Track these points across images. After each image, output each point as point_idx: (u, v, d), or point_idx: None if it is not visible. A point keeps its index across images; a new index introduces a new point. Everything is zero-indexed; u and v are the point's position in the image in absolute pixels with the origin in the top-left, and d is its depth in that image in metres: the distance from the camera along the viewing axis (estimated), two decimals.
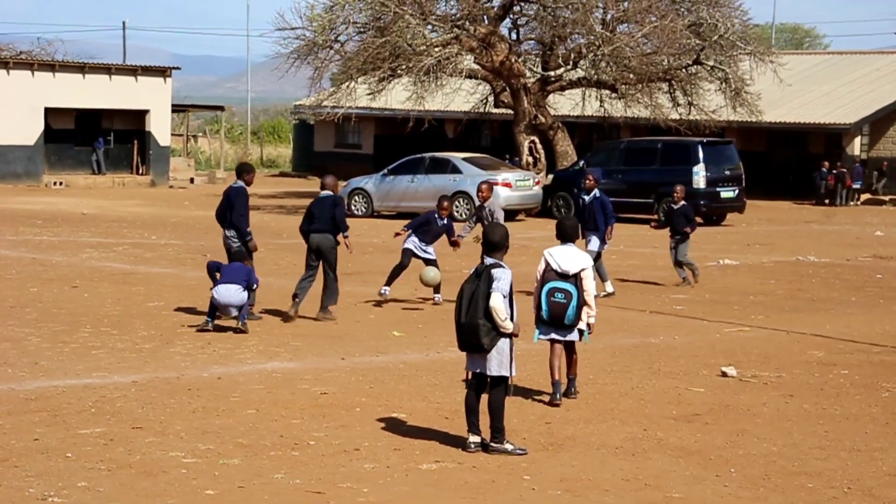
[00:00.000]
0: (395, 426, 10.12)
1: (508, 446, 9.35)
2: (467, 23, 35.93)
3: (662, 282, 20.13)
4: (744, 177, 34.58)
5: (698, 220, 33.22)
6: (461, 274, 18.26)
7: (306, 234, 15.64)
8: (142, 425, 9.97)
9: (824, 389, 12.02)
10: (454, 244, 17.29)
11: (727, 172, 33.97)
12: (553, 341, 11.15)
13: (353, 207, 34.42)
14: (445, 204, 17.34)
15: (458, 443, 9.52)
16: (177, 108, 50.53)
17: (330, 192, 15.73)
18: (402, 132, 41.41)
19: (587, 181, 18.56)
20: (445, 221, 17.29)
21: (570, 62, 36.65)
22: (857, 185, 43.04)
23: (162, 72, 46.44)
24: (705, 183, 33.14)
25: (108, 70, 45.25)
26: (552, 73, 37.47)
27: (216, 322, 14.69)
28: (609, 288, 18.21)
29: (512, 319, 9.30)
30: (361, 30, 36.09)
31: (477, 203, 17.35)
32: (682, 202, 19.89)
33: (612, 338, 14.57)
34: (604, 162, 34.81)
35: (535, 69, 38.09)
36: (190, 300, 16.85)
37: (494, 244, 9.47)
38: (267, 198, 40.11)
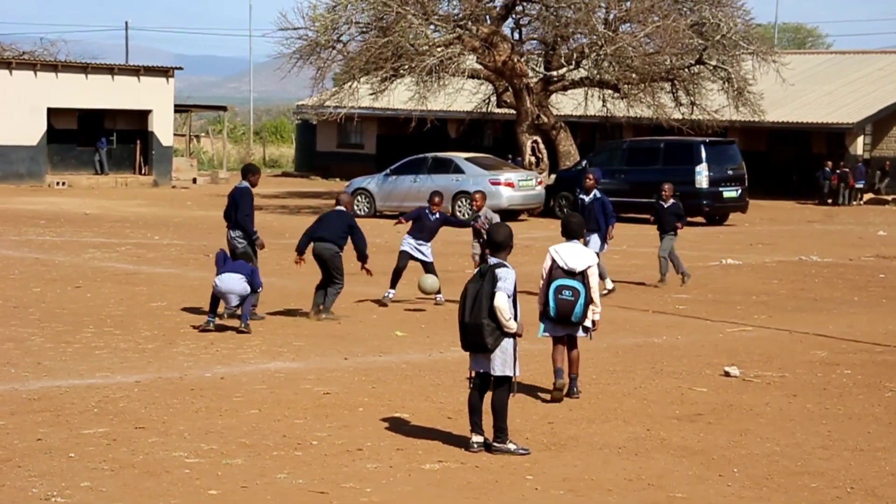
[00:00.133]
0: (397, 426, 10.12)
1: (511, 446, 9.35)
2: (470, 23, 35.92)
3: (665, 282, 20.10)
4: (746, 176, 34.58)
5: (700, 219, 33.62)
6: (464, 274, 18.28)
7: (308, 240, 15.71)
8: (145, 425, 9.98)
9: (827, 389, 12.02)
10: (474, 228, 17.25)
11: (730, 172, 33.97)
12: (564, 338, 11.25)
13: (355, 208, 34.43)
14: (437, 199, 17.30)
15: (461, 443, 9.52)
16: (179, 109, 50.55)
17: (343, 209, 15.93)
18: (404, 132, 41.44)
19: (587, 180, 18.57)
20: (438, 216, 17.29)
21: (573, 62, 36.65)
22: (859, 185, 43.03)
23: (164, 72, 46.45)
24: (708, 183, 33.17)
25: (110, 70, 45.27)
26: (555, 73, 37.47)
27: (219, 322, 14.70)
28: (609, 285, 18.23)
29: (516, 319, 9.30)
30: (364, 30, 36.09)
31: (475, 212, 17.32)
32: (672, 200, 19.84)
33: (615, 337, 14.57)
34: (606, 162, 34.81)
35: (537, 69, 38.09)
36: (193, 300, 16.86)
37: (499, 244, 9.47)
38: (269, 198, 40.11)
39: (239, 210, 15.66)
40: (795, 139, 45.86)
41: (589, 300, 11.04)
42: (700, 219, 33.80)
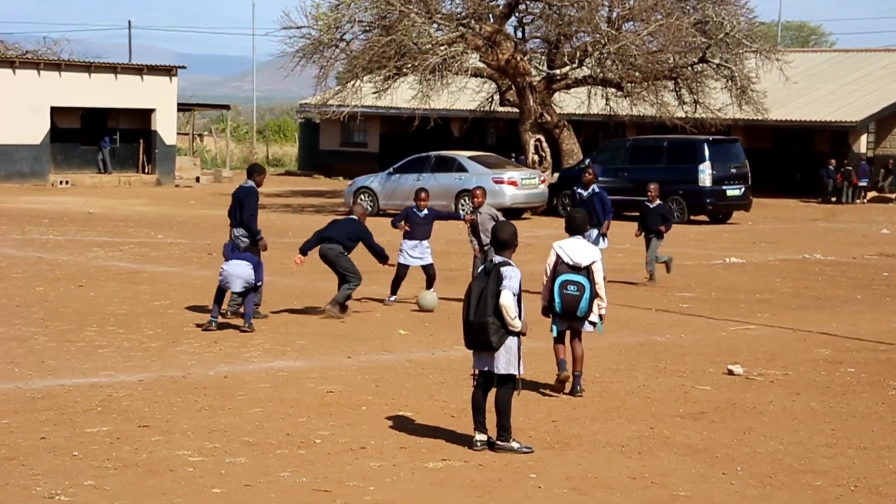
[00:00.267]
0: (401, 424, 10.12)
1: (515, 444, 9.35)
2: (473, 21, 35.91)
3: (669, 280, 20.09)
4: (750, 175, 34.56)
5: (704, 217, 33.62)
6: (466, 272, 18.28)
7: (317, 241, 15.78)
8: (148, 424, 9.98)
9: (831, 387, 12.01)
10: (467, 220, 17.14)
11: (733, 170, 33.96)
12: (569, 333, 11.34)
13: None
14: (423, 196, 17.23)
15: (465, 441, 9.52)
16: (182, 108, 50.58)
17: (355, 217, 16.07)
18: (407, 131, 41.44)
19: (586, 175, 18.64)
20: (426, 212, 17.26)
21: (576, 60, 36.63)
22: (863, 183, 42.98)
23: (167, 71, 46.48)
24: (711, 181, 33.15)
25: (113, 69, 45.31)
26: (558, 72, 37.46)
27: (221, 320, 14.71)
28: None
29: (520, 318, 9.31)
30: (367, 28, 36.09)
31: (473, 207, 17.26)
32: (658, 201, 19.77)
33: (618, 336, 14.56)
34: (610, 160, 34.82)
35: (540, 67, 38.08)
36: (196, 299, 16.86)
37: (503, 242, 9.47)
38: (272, 196, 40.11)
39: (244, 209, 15.67)
40: (799, 137, 45.82)
41: (594, 295, 11.10)
42: (703, 217, 33.80)
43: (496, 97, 39.43)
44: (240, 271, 14.53)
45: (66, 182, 43.46)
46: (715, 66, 36.99)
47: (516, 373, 9.37)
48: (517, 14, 37.79)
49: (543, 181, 34.49)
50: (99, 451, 9.15)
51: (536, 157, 36.97)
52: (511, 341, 9.30)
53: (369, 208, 34.19)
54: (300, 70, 36.54)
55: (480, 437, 9.40)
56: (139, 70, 46.03)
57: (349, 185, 36.53)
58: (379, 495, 8.22)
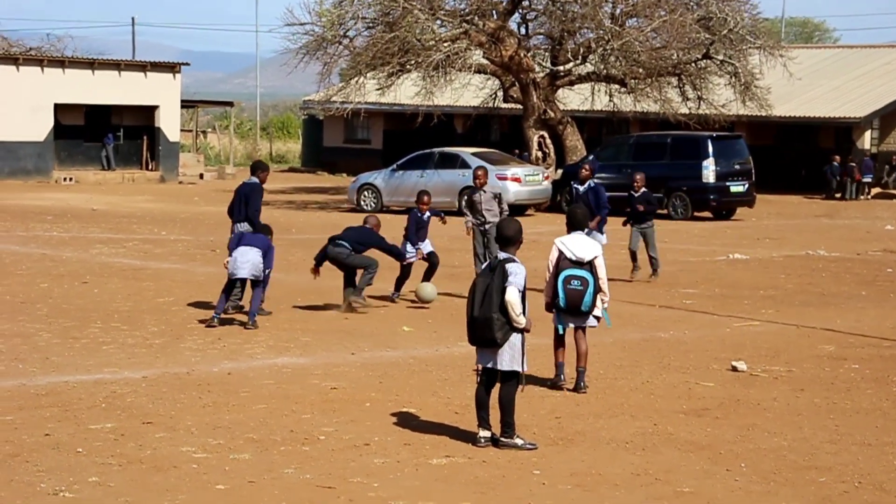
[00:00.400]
0: (405, 421, 10.12)
1: (518, 441, 9.36)
2: (476, 18, 35.89)
3: (672, 277, 20.09)
4: (753, 171, 34.53)
5: (707, 214, 33.58)
6: (470, 269, 18.25)
7: (327, 246, 15.92)
8: (152, 420, 9.99)
9: (835, 384, 12.01)
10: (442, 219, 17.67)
11: (737, 167, 33.92)
12: (573, 328, 11.36)
13: (362, 203, 34.46)
14: (426, 199, 17.33)
15: (468, 438, 9.52)
16: (186, 104, 50.56)
17: (369, 227, 16.20)
18: (411, 127, 41.39)
19: (583, 171, 18.66)
20: (429, 214, 17.34)
21: (580, 57, 36.60)
22: (867, 179, 42.92)
23: (171, 68, 46.48)
24: (715, 177, 33.12)
25: (117, 66, 45.31)
26: (561, 68, 37.44)
27: (224, 316, 14.71)
28: None
29: (524, 314, 9.31)
30: (370, 25, 36.08)
31: (474, 188, 17.40)
32: (643, 190, 19.58)
33: (622, 332, 14.56)
34: (613, 157, 34.81)
35: (544, 64, 38.05)
36: (200, 296, 16.87)
37: (508, 239, 9.48)
38: (276, 193, 40.10)
39: (249, 205, 15.72)
40: (802, 134, 45.77)
41: (598, 289, 11.13)
42: (707, 213, 33.78)
43: (500, 94, 39.40)
44: (248, 256, 14.52)
45: (70, 179, 43.47)
46: (718, 62, 36.96)
47: (520, 369, 9.37)
48: (521, 10, 37.77)
49: (547, 178, 34.47)
50: (103, 447, 9.16)
51: (540, 154, 36.95)
52: (515, 338, 9.31)
53: (373, 205, 34.26)
54: (304, 67, 36.54)
55: (484, 433, 9.41)
56: (143, 67, 46.03)
57: (353, 181, 36.52)
58: (383, 492, 8.22)
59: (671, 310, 16.78)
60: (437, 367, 12.46)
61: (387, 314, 15.99)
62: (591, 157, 34.66)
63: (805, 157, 45.08)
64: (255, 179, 15.92)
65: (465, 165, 33.30)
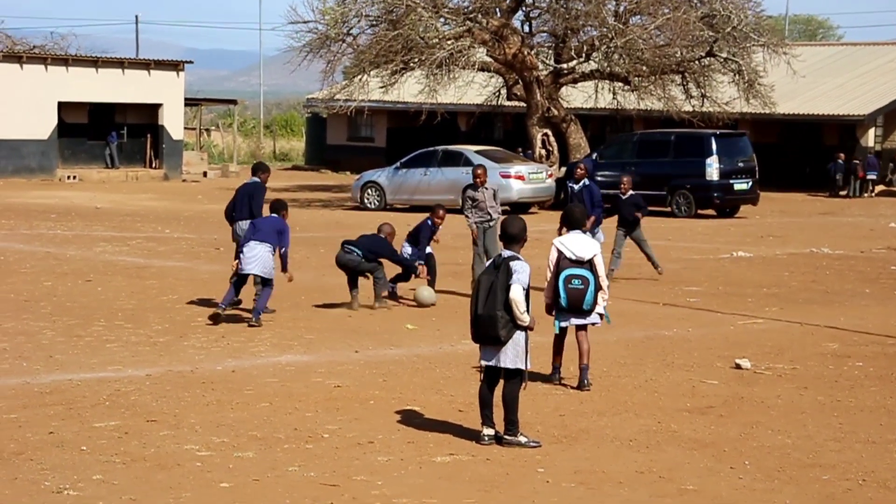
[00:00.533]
0: (408, 419, 10.13)
1: (522, 439, 9.36)
2: (480, 15, 35.88)
3: (676, 275, 20.08)
4: (757, 169, 34.52)
5: (711, 212, 33.57)
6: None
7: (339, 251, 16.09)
8: (156, 418, 10.00)
9: (839, 381, 12.00)
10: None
11: (740, 164, 33.92)
12: (575, 327, 11.37)
13: (365, 201, 34.48)
14: (441, 213, 17.29)
15: (472, 435, 9.53)
16: (189, 102, 50.57)
17: (382, 235, 16.30)
18: (414, 125, 41.39)
19: (577, 170, 18.65)
20: (440, 227, 17.37)
21: (583, 54, 36.57)
22: (871, 176, 42.86)
23: (175, 66, 46.49)
24: (718, 175, 33.11)
25: (120, 64, 45.32)
26: (565, 66, 37.41)
27: (228, 312, 14.72)
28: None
29: (528, 312, 9.31)
30: (374, 23, 36.08)
31: (473, 185, 17.38)
32: (630, 192, 19.51)
33: (626, 330, 14.55)
34: (617, 154, 34.82)
35: (547, 62, 38.03)
36: (204, 294, 16.88)
37: (513, 236, 9.48)
38: (279, 191, 39.99)
39: (254, 201, 15.81)
40: (806, 131, 45.73)
41: (598, 287, 11.17)
42: (711, 211, 33.77)
43: (503, 91, 39.38)
44: (255, 251, 14.56)
45: (74, 177, 43.50)
46: (722, 59, 36.92)
47: (524, 367, 9.38)
48: (524, 8, 37.75)
49: (550, 175, 34.45)
50: (107, 445, 9.17)
51: (544, 152, 36.93)
52: (519, 336, 9.31)
53: (376, 202, 34.27)
54: (307, 65, 36.53)
55: (488, 431, 9.41)
56: (146, 65, 46.04)
57: (356, 179, 36.54)
58: (387, 489, 8.22)
59: (675, 307, 16.78)
60: (441, 364, 12.47)
61: (390, 312, 15.99)
62: (595, 155, 34.73)
63: (809, 155, 45.05)
64: (257, 180, 15.99)
65: (468, 163, 33.23)
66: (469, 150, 34.60)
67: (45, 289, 17.35)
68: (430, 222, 17.28)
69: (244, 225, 15.73)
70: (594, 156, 34.74)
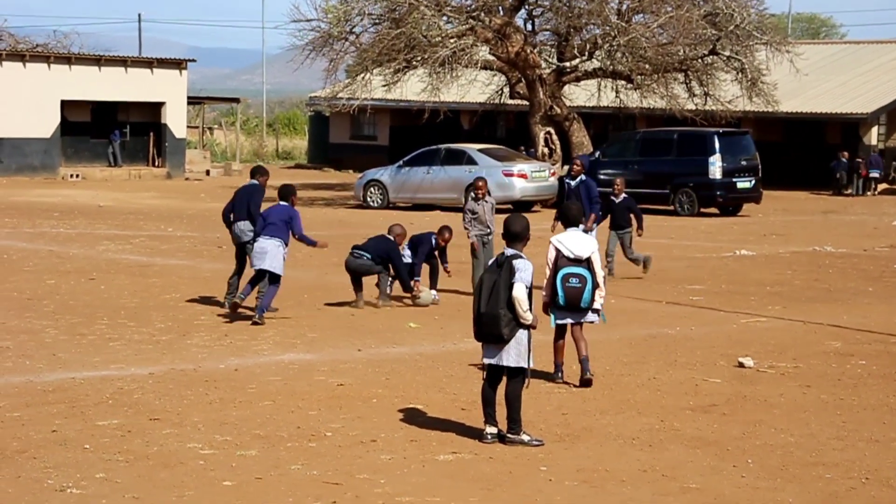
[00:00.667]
0: (411, 417, 10.13)
1: (525, 437, 9.36)
2: (482, 14, 35.88)
3: (679, 273, 20.07)
4: (760, 167, 34.51)
5: (714, 210, 33.56)
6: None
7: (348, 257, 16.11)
8: (159, 417, 10.01)
9: (842, 380, 11.99)
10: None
11: (743, 163, 33.91)
12: (571, 325, 11.39)
13: (368, 199, 34.48)
14: (447, 235, 16.97)
15: (475, 434, 9.53)
16: (192, 101, 50.60)
17: (391, 237, 16.29)
18: (417, 123, 41.41)
19: (574, 167, 18.62)
20: (442, 248, 17.05)
21: (586, 53, 36.56)
22: (874, 175, 42.83)
23: (177, 64, 46.50)
24: (721, 173, 33.11)
25: (123, 62, 45.33)
26: (567, 64, 37.39)
27: (236, 305, 14.74)
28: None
29: (531, 311, 9.31)
30: (376, 21, 36.08)
31: (474, 198, 17.07)
32: (623, 195, 19.45)
33: (629, 329, 14.55)
34: (619, 153, 34.82)
35: (550, 60, 38.02)
36: (206, 292, 16.88)
37: (516, 235, 9.48)
38: None
39: (252, 202, 15.80)
40: (809, 129, 45.69)
41: (595, 286, 11.18)
42: (714, 210, 33.76)
43: (506, 90, 39.38)
44: (263, 247, 14.60)
45: (77, 175, 43.51)
46: (725, 58, 36.90)
47: (526, 366, 9.37)
48: (527, 6, 37.74)
49: (553, 174, 34.43)
50: (110, 443, 9.18)
51: (546, 150, 36.93)
52: (522, 334, 9.31)
53: (379, 201, 34.27)
54: (310, 63, 36.54)
55: (491, 429, 9.41)
56: (149, 63, 46.05)
57: (359, 178, 36.54)
58: (389, 488, 8.22)
59: (678, 306, 16.77)
60: (444, 363, 12.47)
61: (393, 310, 16.00)
62: (598, 154, 34.73)
63: (812, 153, 45.01)
64: (256, 182, 16.04)
65: (471, 162, 33.31)
66: (472, 148, 34.62)
67: (48, 287, 17.36)
68: (433, 240, 16.96)
69: (243, 225, 15.74)
70: (596, 154, 34.74)
